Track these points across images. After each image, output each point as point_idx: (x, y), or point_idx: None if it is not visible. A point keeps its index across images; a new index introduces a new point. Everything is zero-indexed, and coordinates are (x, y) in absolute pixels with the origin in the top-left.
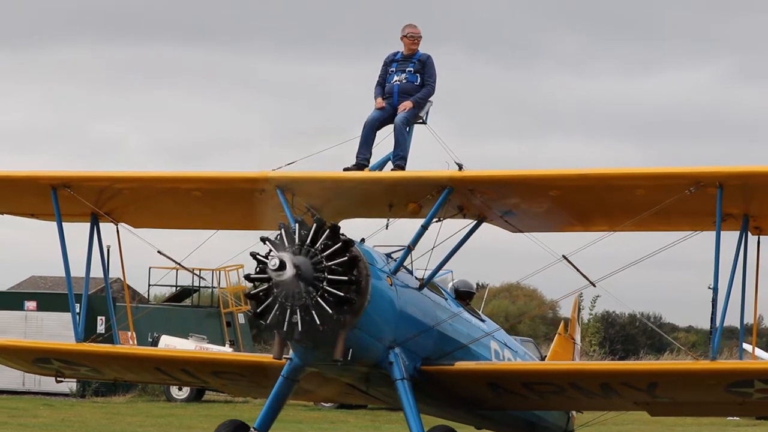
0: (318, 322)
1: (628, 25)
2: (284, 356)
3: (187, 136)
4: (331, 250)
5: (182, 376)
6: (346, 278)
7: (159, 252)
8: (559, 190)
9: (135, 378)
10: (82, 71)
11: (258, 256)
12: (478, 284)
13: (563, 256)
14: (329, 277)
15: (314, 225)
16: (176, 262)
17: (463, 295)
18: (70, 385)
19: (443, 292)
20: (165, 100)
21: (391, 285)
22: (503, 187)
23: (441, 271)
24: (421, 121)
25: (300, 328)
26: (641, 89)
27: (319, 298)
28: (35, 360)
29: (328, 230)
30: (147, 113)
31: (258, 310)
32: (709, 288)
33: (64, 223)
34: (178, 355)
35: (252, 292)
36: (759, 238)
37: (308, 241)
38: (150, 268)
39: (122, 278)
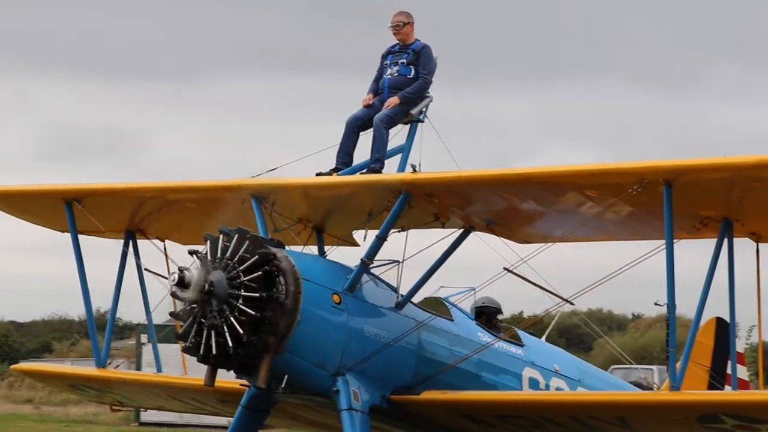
0: (230, 345)
1: None
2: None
3: None
4: (247, 264)
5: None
6: (257, 295)
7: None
8: (511, 192)
9: (180, 408)
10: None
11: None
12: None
13: (504, 268)
14: (244, 294)
15: (236, 235)
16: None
17: (488, 314)
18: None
19: (454, 311)
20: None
21: (338, 303)
22: (462, 191)
23: (460, 289)
24: (416, 119)
25: (214, 352)
26: None
27: (232, 318)
28: (70, 385)
29: (247, 241)
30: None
31: (180, 331)
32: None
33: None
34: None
35: (176, 311)
36: (758, 246)
37: (228, 254)
38: None
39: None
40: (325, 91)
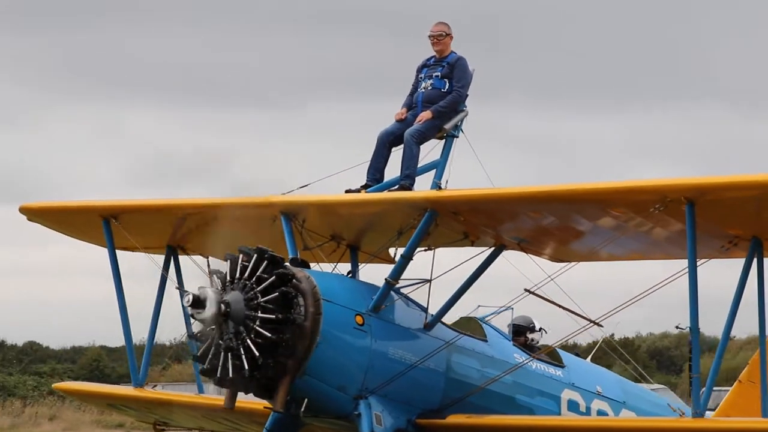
0: (246, 368)
1: None
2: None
3: None
4: (264, 284)
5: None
6: (273, 317)
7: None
8: (536, 211)
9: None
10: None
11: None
12: None
13: (526, 290)
14: (261, 315)
15: (255, 255)
16: None
17: (522, 333)
18: None
19: (489, 331)
20: None
21: (361, 324)
22: (487, 209)
23: (493, 309)
24: (448, 134)
25: (230, 374)
26: None
27: (249, 340)
28: (108, 405)
29: (266, 261)
30: None
31: (198, 353)
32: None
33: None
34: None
35: (195, 332)
36: None
37: (246, 274)
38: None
39: None
40: None
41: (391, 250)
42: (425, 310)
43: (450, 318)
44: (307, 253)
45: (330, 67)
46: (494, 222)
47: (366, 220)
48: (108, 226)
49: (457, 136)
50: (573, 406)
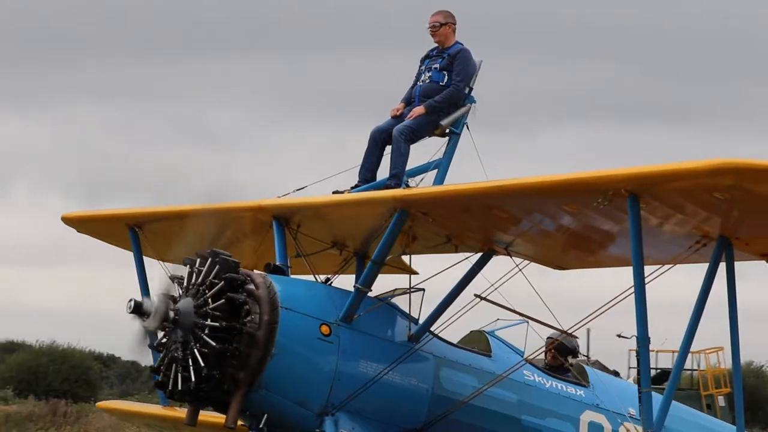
0: (192, 380)
1: None
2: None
3: None
4: (213, 290)
5: None
6: (217, 325)
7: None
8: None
9: None
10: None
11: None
12: None
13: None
14: (208, 323)
15: (209, 258)
16: None
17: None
18: None
19: (497, 346)
20: None
21: (327, 334)
22: (451, 207)
23: (510, 322)
24: (450, 131)
25: (179, 387)
26: None
27: (196, 350)
28: (146, 424)
29: (218, 264)
30: None
31: (155, 364)
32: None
33: None
34: None
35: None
36: None
37: (200, 279)
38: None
39: None
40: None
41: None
42: (415, 321)
43: (462, 331)
44: (297, 261)
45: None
46: (464, 223)
47: (356, 224)
48: (135, 235)
49: (458, 133)
50: (595, 428)
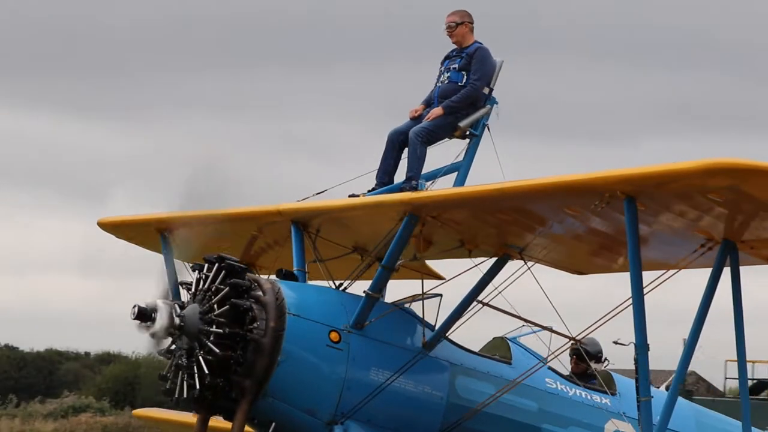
0: (197, 387)
1: None
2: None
3: None
4: (219, 296)
5: None
6: (221, 332)
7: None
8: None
9: None
10: None
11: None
12: None
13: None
14: (213, 330)
15: (215, 264)
16: None
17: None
18: None
19: (519, 353)
20: None
21: (337, 341)
22: (458, 210)
23: (534, 328)
24: (469, 132)
25: (185, 395)
26: None
27: (201, 357)
28: None
29: (224, 269)
30: None
31: (163, 372)
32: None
33: None
34: None
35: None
36: None
37: (206, 285)
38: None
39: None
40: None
41: (436, 264)
42: (431, 327)
43: (481, 340)
44: (313, 266)
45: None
46: (476, 227)
47: (372, 229)
48: (165, 239)
49: (477, 135)
50: None
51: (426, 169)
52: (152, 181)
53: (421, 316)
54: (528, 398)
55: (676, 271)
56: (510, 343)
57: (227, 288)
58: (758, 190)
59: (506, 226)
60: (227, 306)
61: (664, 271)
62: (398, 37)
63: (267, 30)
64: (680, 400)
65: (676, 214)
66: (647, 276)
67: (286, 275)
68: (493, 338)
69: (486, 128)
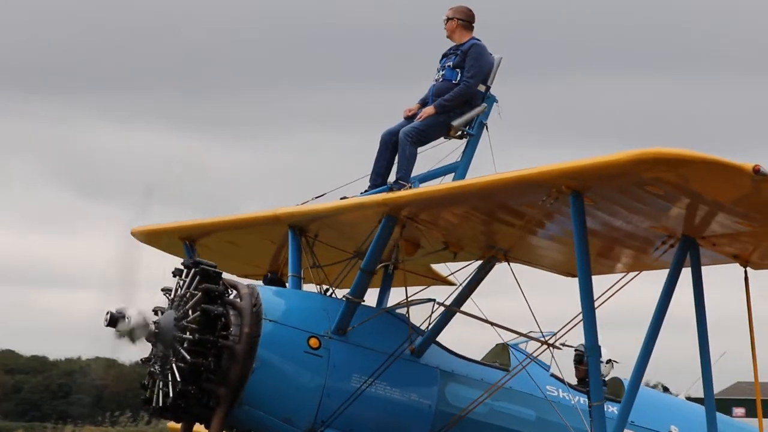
0: (170, 396)
1: None
2: None
3: None
4: (191, 302)
5: None
6: (191, 338)
7: None
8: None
9: None
10: None
11: None
12: None
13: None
14: (187, 337)
15: (191, 269)
16: None
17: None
18: None
19: (520, 359)
20: None
21: (316, 347)
22: (429, 210)
23: (534, 334)
24: (464, 132)
25: (160, 404)
26: None
27: (174, 365)
28: None
29: (198, 273)
30: None
31: (143, 381)
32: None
33: None
34: None
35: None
36: (746, 271)
37: (182, 291)
38: None
39: None
40: None
41: (445, 268)
42: (421, 333)
43: (484, 347)
44: (312, 272)
45: None
46: (455, 228)
47: (364, 232)
48: (189, 248)
49: (472, 135)
50: None
51: (424, 170)
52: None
53: (414, 321)
54: (527, 407)
55: (636, 273)
56: (511, 350)
57: (200, 293)
58: (698, 182)
59: (481, 226)
60: (198, 312)
61: (625, 273)
62: None
63: None
64: (696, 408)
65: (630, 211)
66: (615, 277)
67: (271, 280)
68: (496, 345)
69: (485, 127)
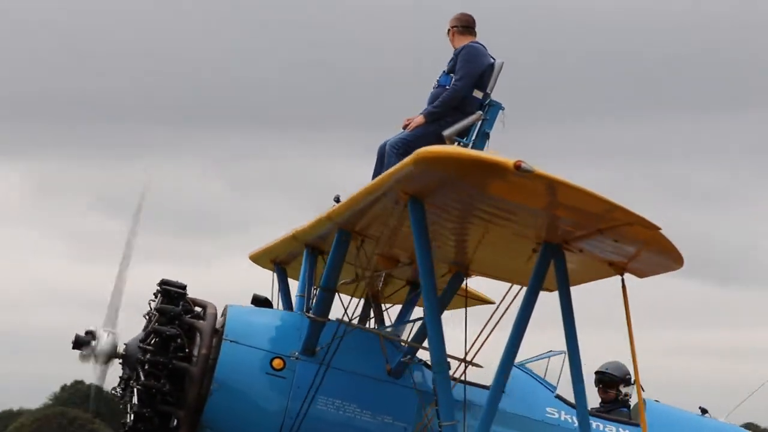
0: (132, 420)
1: None
2: None
3: None
4: (152, 323)
5: None
6: (145, 360)
7: None
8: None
9: None
10: None
11: None
12: None
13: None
14: (147, 359)
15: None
16: None
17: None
18: None
19: (519, 380)
20: None
21: (280, 368)
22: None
23: (551, 352)
24: (458, 141)
25: (129, 427)
26: None
27: (135, 388)
28: None
29: (160, 293)
30: None
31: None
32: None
33: None
34: None
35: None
36: (623, 280)
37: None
38: None
39: None
40: None
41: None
42: (402, 353)
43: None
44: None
45: None
46: (398, 242)
47: None
48: (280, 270)
49: (467, 144)
50: None
51: None
52: None
53: (398, 341)
54: (519, 430)
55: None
56: (514, 370)
57: (157, 314)
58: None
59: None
60: (152, 333)
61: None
62: None
63: None
64: (711, 422)
65: (477, 216)
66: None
67: (256, 300)
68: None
69: (487, 137)
